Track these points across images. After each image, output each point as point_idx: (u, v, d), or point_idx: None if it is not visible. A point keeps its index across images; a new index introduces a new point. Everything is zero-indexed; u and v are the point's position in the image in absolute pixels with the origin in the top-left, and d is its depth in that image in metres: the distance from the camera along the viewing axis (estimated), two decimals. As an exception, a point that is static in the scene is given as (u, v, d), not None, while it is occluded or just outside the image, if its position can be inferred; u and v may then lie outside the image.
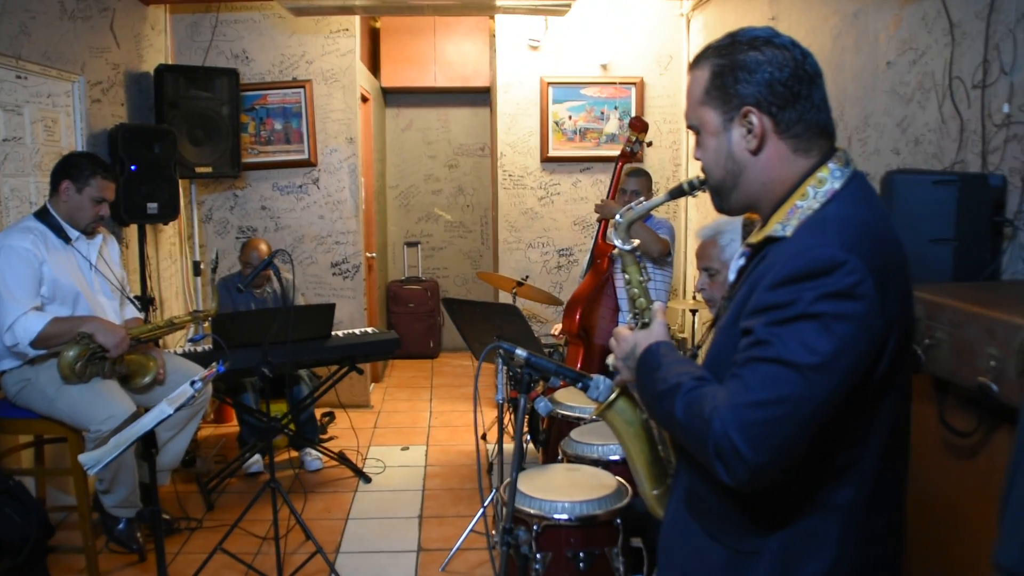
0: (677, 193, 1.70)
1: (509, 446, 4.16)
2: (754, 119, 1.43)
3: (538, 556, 2.55)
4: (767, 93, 1.41)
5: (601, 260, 4.55)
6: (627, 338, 1.62)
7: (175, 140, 4.92)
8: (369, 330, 5.14)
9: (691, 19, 6.20)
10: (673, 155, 6.39)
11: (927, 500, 2.18)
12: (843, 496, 1.39)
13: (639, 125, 4.61)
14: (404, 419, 6.09)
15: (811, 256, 1.31)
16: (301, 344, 4.51)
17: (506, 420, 4.25)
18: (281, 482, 3.53)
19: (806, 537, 1.40)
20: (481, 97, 8.01)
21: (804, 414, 1.27)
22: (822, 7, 3.99)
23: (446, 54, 7.54)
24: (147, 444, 2.67)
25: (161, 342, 4.56)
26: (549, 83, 6.32)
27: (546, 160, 6.42)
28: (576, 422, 3.36)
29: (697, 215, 6.20)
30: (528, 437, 4.28)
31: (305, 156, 6.09)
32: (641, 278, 1.75)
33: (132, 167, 4.62)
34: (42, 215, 3.56)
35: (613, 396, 1.76)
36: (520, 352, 2.07)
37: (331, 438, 5.37)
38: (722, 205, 1.56)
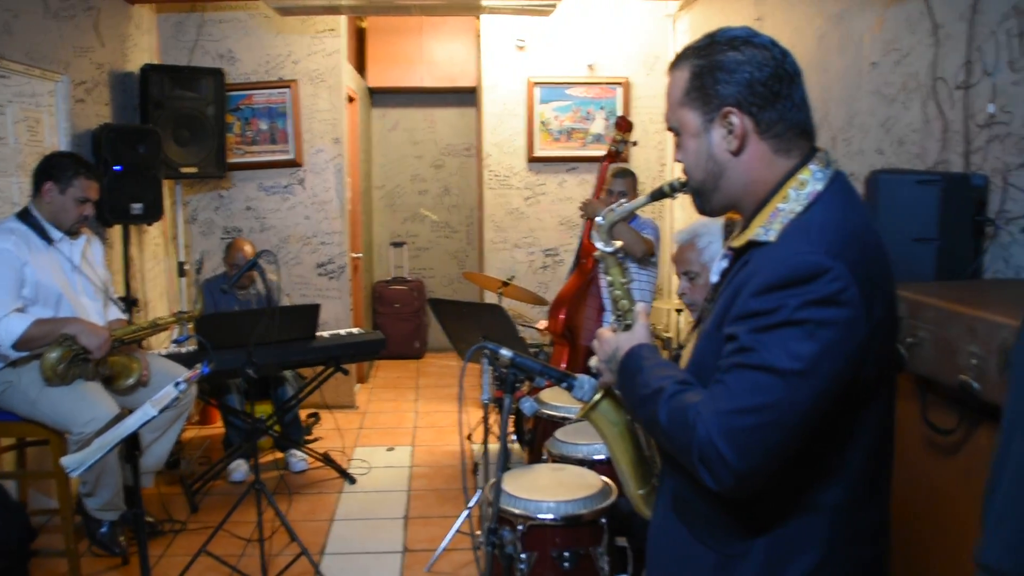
0: (658, 195, 1.70)
1: (494, 446, 4.16)
2: (735, 119, 1.42)
3: (523, 556, 2.55)
4: (747, 93, 1.40)
5: (586, 260, 4.55)
6: (609, 340, 1.62)
7: (160, 140, 4.89)
8: (354, 331, 5.13)
9: (677, 20, 6.22)
10: (659, 155, 6.40)
11: (909, 497, 2.19)
12: (829, 498, 1.39)
13: (624, 125, 4.62)
14: (389, 420, 6.08)
15: (796, 262, 1.30)
16: (286, 345, 4.50)
17: (491, 420, 4.25)
18: (266, 483, 3.52)
19: (792, 539, 1.40)
20: (467, 97, 8.00)
21: (789, 421, 1.27)
22: (807, 8, 4.01)
23: (432, 54, 7.54)
24: (131, 446, 2.65)
25: (145, 343, 4.53)
26: (535, 83, 6.33)
27: (532, 160, 6.42)
28: (561, 422, 3.36)
29: (683, 215, 6.22)
30: (513, 437, 4.28)
31: (291, 156, 6.07)
32: (624, 280, 1.75)
33: (116, 167, 4.59)
34: (24, 216, 3.53)
35: (597, 397, 1.76)
36: (505, 352, 2.07)
37: (316, 439, 5.35)
38: (703, 207, 1.55)
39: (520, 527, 2.56)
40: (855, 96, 3.53)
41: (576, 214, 6.33)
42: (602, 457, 2.97)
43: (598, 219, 1.79)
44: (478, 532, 3.71)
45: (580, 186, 6.44)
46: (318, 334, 4.81)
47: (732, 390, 1.30)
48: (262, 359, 3.85)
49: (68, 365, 3.35)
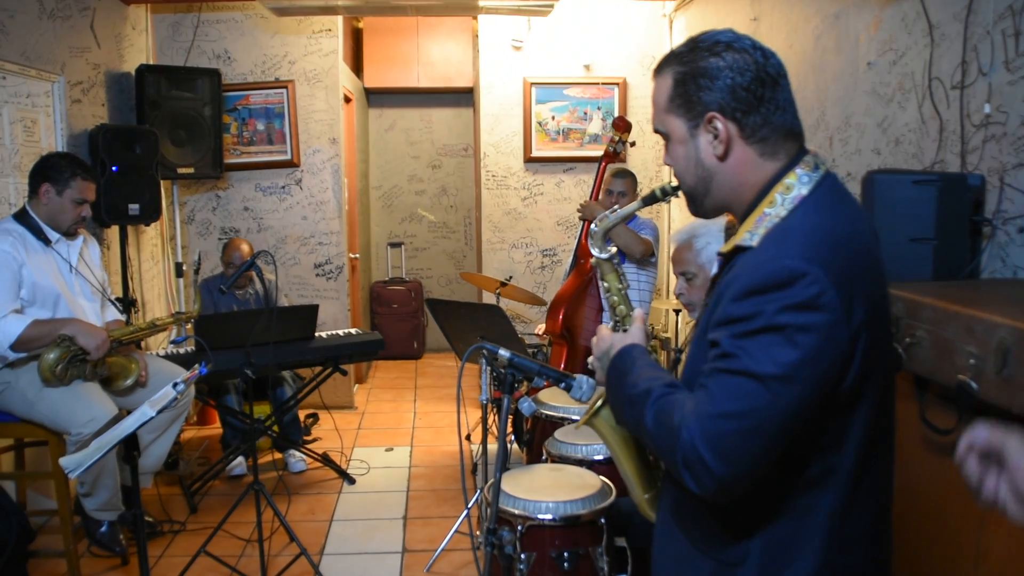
0: (650, 200, 1.71)
1: (493, 447, 4.17)
2: (719, 125, 1.42)
3: (522, 556, 2.55)
4: (730, 99, 1.41)
5: (584, 260, 4.55)
6: (605, 338, 1.62)
7: (157, 141, 4.89)
8: (353, 331, 5.13)
9: (674, 20, 6.22)
10: (657, 155, 6.40)
11: (908, 496, 2.19)
12: (823, 503, 1.38)
13: (622, 125, 4.62)
14: (388, 420, 6.08)
15: (772, 268, 1.30)
16: (284, 345, 4.50)
17: (490, 421, 4.25)
18: (265, 484, 3.52)
19: (788, 545, 1.40)
20: (464, 97, 8.00)
21: (770, 426, 1.27)
22: (803, 8, 4.01)
23: (429, 54, 7.54)
24: (129, 447, 2.65)
25: (143, 344, 4.53)
26: (532, 83, 6.33)
27: (529, 160, 6.42)
28: (560, 422, 3.36)
29: (681, 215, 6.23)
30: (512, 437, 4.28)
31: (288, 157, 6.07)
32: (620, 285, 1.76)
33: (113, 168, 4.59)
34: (21, 217, 3.53)
35: (599, 404, 1.76)
36: (503, 352, 2.07)
37: (315, 439, 5.35)
38: (696, 210, 1.56)
39: (519, 527, 2.56)
40: (852, 96, 3.53)
41: (573, 214, 6.34)
42: (601, 457, 2.97)
43: (592, 226, 1.80)
44: (477, 532, 3.72)
45: (577, 186, 6.44)
46: (316, 334, 4.81)
47: (714, 396, 1.30)
48: (260, 360, 3.85)
49: (66, 366, 3.35)
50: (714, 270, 1.58)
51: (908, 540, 2.21)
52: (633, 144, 5.04)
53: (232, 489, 4.65)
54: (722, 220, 2.39)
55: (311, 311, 4.74)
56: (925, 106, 2.97)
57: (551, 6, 5.46)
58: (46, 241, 3.53)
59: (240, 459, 4.86)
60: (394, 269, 8.39)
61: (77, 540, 3.57)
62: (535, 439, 3.61)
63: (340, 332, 5.03)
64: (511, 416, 4.05)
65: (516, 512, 2.58)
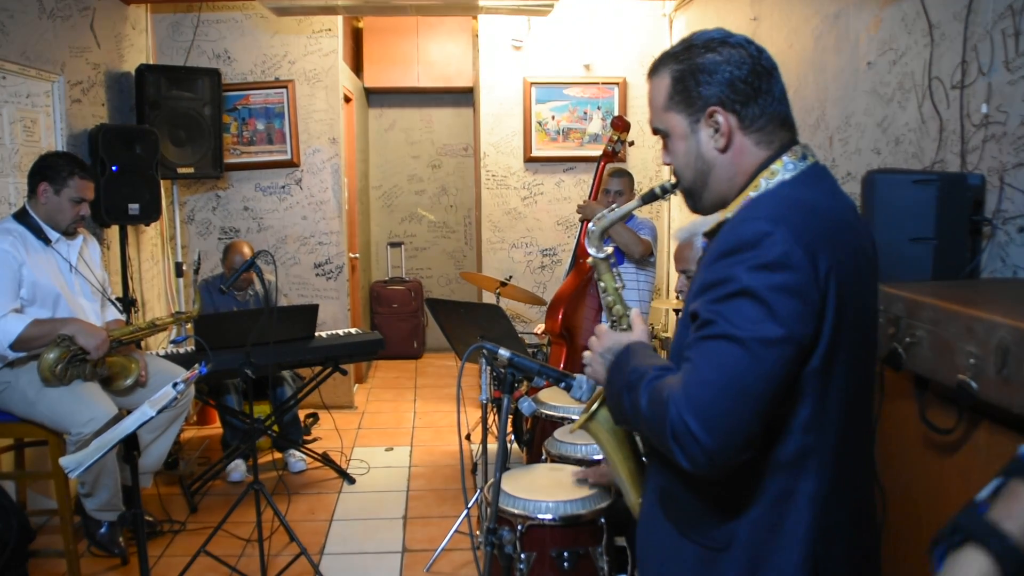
0: (649, 198, 1.73)
1: (493, 446, 4.16)
2: (720, 118, 1.46)
3: (522, 556, 2.55)
4: (729, 91, 1.45)
5: (584, 260, 4.55)
6: (610, 334, 1.64)
7: (157, 141, 4.88)
8: (352, 331, 5.13)
9: (674, 19, 6.22)
10: (656, 154, 6.40)
11: (908, 496, 2.19)
12: (804, 487, 1.40)
13: (621, 125, 4.62)
14: (388, 420, 6.08)
15: (740, 230, 1.36)
16: (284, 345, 4.50)
17: (490, 420, 4.25)
18: (265, 484, 3.52)
19: (773, 529, 1.41)
20: (464, 97, 8.00)
21: (753, 389, 1.28)
22: (803, 8, 4.01)
23: (429, 54, 7.54)
24: (129, 446, 2.65)
25: (143, 344, 4.53)
26: (532, 83, 6.33)
27: (529, 160, 6.43)
28: (560, 422, 3.36)
29: (680, 214, 6.23)
30: (512, 437, 4.28)
31: (288, 156, 6.07)
32: (616, 285, 1.77)
33: (113, 168, 4.59)
34: (21, 216, 3.53)
35: (595, 408, 1.76)
36: (503, 352, 2.07)
37: (315, 439, 5.35)
38: (695, 205, 1.60)
39: (519, 527, 2.56)
40: (852, 96, 3.53)
41: (573, 214, 6.34)
42: (600, 457, 2.97)
43: (590, 226, 1.80)
44: (477, 532, 3.72)
45: (577, 186, 6.44)
46: (316, 334, 4.81)
47: (697, 365, 1.32)
48: (260, 359, 3.85)
49: (66, 366, 3.35)
50: (700, 245, 1.61)
51: (908, 540, 2.21)
52: (632, 144, 5.04)
53: (232, 489, 4.65)
54: (722, 219, 2.40)
55: (311, 311, 4.74)
56: (925, 106, 2.97)
57: (551, 6, 5.47)
58: (46, 241, 3.53)
59: (239, 464, 4.84)
60: (394, 269, 8.39)
61: (77, 540, 3.57)
62: (535, 439, 3.61)
63: (340, 332, 5.03)
64: (511, 416, 4.05)
65: (516, 512, 2.58)
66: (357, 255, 7.08)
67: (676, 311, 5.56)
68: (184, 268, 5.91)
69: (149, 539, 3.85)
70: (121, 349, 3.68)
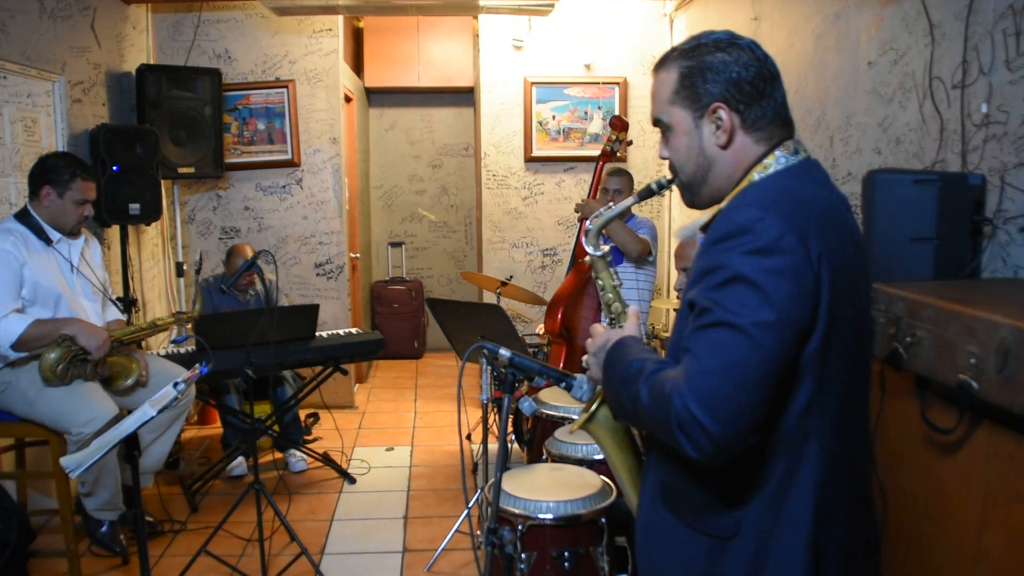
0: (646, 194, 1.75)
1: (494, 446, 4.16)
2: (723, 115, 1.49)
3: (523, 556, 2.55)
4: (735, 91, 1.48)
5: (582, 259, 4.55)
6: (600, 334, 1.65)
7: (157, 140, 4.88)
8: (353, 331, 5.13)
9: (674, 19, 6.22)
10: (656, 154, 6.40)
11: (909, 495, 2.19)
12: (806, 472, 1.41)
13: (619, 124, 4.62)
14: (389, 420, 6.08)
15: (731, 217, 1.39)
16: (285, 345, 4.50)
17: (490, 420, 4.25)
18: (265, 483, 3.52)
19: (777, 515, 1.42)
20: (465, 97, 8.00)
21: (755, 374, 1.30)
22: (804, 8, 4.01)
23: (430, 54, 7.54)
24: (130, 446, 2.65)
25: (144, 344, 4.53)
26: (533, 83, 6.33)
27: (530, 160, 6.42)
28: (560, 422, 3.36)
29: (680, 214, 6.23)
30: (512, 437, 4.28)
31: (288, 156, 6.07)
32: (614, 283, 1.77)
33: (114, 168, 4.59)
34: (22, 216, 3.53)
35: (594, 407, 1.76)
36: (504, 352, 2.07)
37: (315, 439, 5.35)
38: (692, 200, 1.62)
39: (520, 527, 2.56)
40: (852, 95, 3.53)
41: (574, 213, 6.34)
42: (601, 457, 2.97)
43: (587, 224, 1.81)
44: (478, 532, 3.72)
45: (578, 186, 6.44)
46: (317, 334, 4.81)
47: (697, 354, 1.33)
48: (261, 359, 3.85)
49: (67, 366, 3.35)
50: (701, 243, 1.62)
51: (908, 539, 2.21)
52: (631, 143, 5.04)
53: (232, 489, 4.65)
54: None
55: (311, 311, 4.74)
56: (926, 106, 2.96)
57: (551, 6, 5.46)
58: (47, 241, 3.53)
59: (240, 460, 4.86)
60: (395, 269, 8.39)
61: (78, 540, 3.57)
62: (536, 439, 3.61)
63: (340, 332, 5.03)
64: (511, 416, 4.05)
65: (517, 512, 2.58)
66: (358, 255, 7.09)
67: (676, 310, 5.56)
68: (185, 268, 5.91)
69: (150, 539, 3.85)
70: (122, 349, 3.68)
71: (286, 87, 6.00)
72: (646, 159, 6.41)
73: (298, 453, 5.01)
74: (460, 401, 2.40)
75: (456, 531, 3.88)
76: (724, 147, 1.51)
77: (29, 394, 3.38)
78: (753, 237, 1.33)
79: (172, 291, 5.89)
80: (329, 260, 6.23)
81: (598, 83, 6.34)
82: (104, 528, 3.63)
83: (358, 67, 7.51)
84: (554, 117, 6.36)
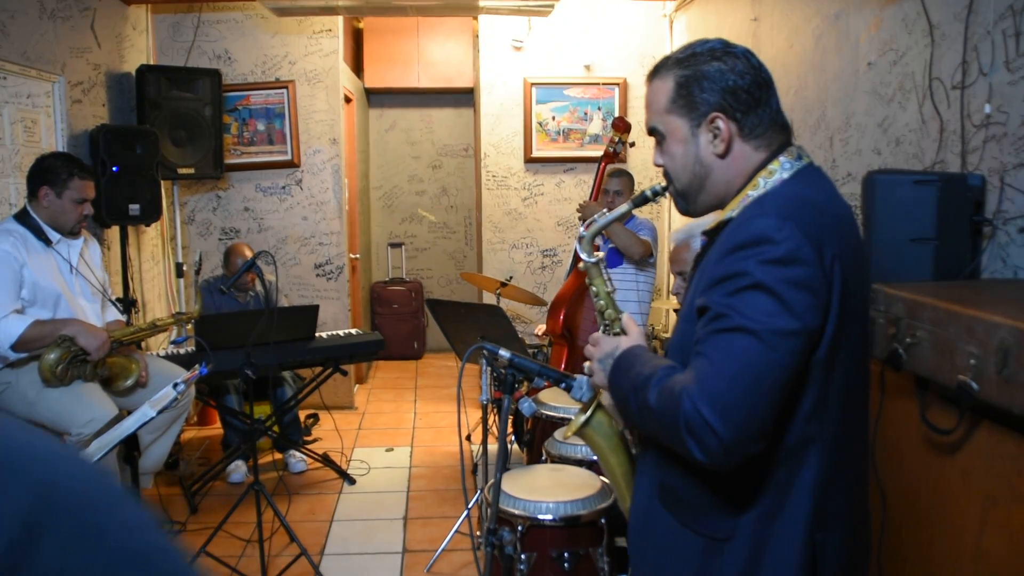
0: (640, 201, 1.76)
1: (493, 447, 4.16)
2: (721, 124, 1.50)
3: (523, 556, 2.55)
4: (731, 100, 1.49)
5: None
6: (608, 340, 1.65)
7: (157, 141, 4.89)
8: (353, 331, 5.13)
9: (674, 20, 6.22)
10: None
11: (909, 495, 2.19)
12: (806, 476, 1.42)
13: (622, 126, 4.62)
14: (388, 420, 6.08)
15: (752, 226, 1.39)
16: (285, 346, 4.50)
17: (490, 421, 4.25)
18: (265, 484, 3.52)
19: (775, 517, 1.43)
20: (465, 98, 8.00)
21: (767, 380, 1.31)
22: (804, 8, 4.01)
23: (429, 55, 7.54)
24: (129, 447, 2.66)
25: (143, 344, 4.53)
26: (532, 84, 6.33)
27: (530, 161, 6.42)
28: (560, 423, 3.36)
29: (680, 216, 6.21)
30: (512, 438, 4.28)
31: (288, 157, 6.07)
32: (608, 289, 1.77)
33: (114, 168, 4.59)
34: (22, 217, 3.52)
35: (589, 413, 1.76)
36: (504, 353, 2.07)
37: (315, 440, 5.35)
38: (687, 208, 1.64)
39: (520, 528, 2.56)
40: (852, 96, 3.53)
41: (574, 214, 6.34)
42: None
43: (581, 230, 1.81)
44: (478, 533, 3.72)
45: (578, 187, 6.44)
46: (317, 335, 4.81)
47: (711, 358, 1.34)
48: (261, 360, 3.85)
49: (67, 366, 3.35)
50: (697, 247, 1.62)
51: (908, 540, 2.21)
52: (632, 145, 5.03)
53: (232, 490, 4.65)
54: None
55: (311, 311, 4.74)
56: (925, 106, 2.96)
57: (551, 6, 5.47)
58: (47, 241, 3.53)
59: (239, 465, 4.84)
60: (394, 269, 8.39)
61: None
62: (535, 439, 3.62)
63: (340, 332, 5.04)
64: (511, 416, 4.05)
65: (516, 512, 2.58)
66: (357, 256, 7.09)
67: (676, 311, 5.56)
68: (184, 269, 5.91)
69: (149, 540, 3.84)
70: (121, 350, 3.68)
71: (286, 88, 6.00)
72: (646, 160, 6.41)
73: (298, 454, 5.01)
74: (460, 402, 2.40)
75: (456, 532, 3.88)
76: (722, 156, 1.52)
77: (29, 395, 3.38)
78: (772, 247, 1.34)
79: (172, 292, 5.89)
80: (329, 261, 6.23)
81: (598, 84, 6.35)
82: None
83: (358, 68, 7.51)
84: (554, 118, 6.36)
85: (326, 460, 4.94)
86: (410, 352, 8.07)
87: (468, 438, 5.33)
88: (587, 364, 1.69)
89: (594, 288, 1.79)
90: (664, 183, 1.68)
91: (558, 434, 3.20)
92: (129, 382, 3.67)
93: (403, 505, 4.47)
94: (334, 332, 5.03)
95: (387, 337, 5.88)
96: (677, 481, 1.52)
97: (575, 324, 4.42)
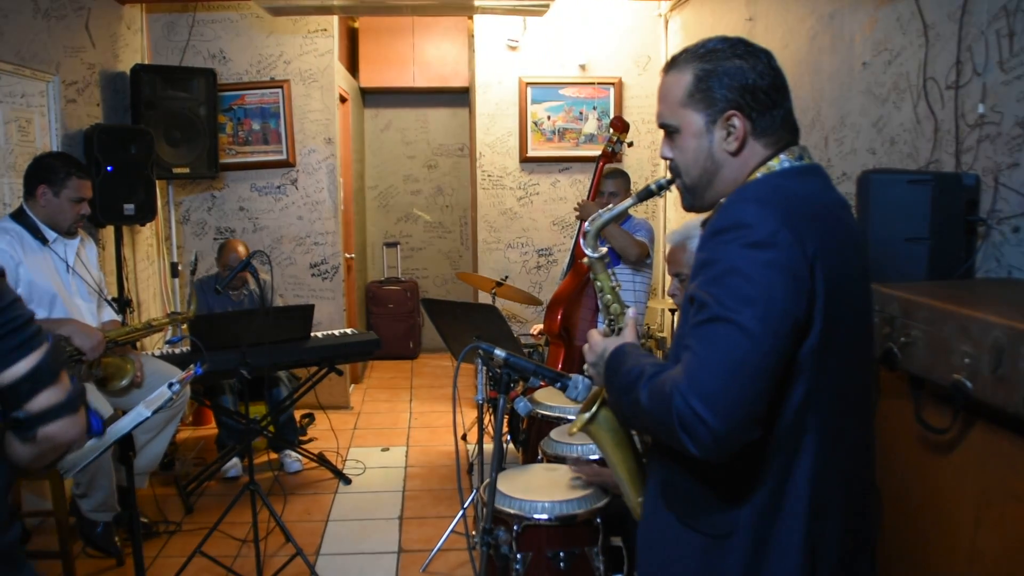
0: (645, 195, 1.75)
1: (489, 446, 4.17)
2: (737, 122, 1.51)
3: (518, 556, 2.55)
4: (749, 98, 1.50)
5: (582, 260, 4.55)
6: (597, 343, 1.66)
7: (152, 141, 4.88)
8: (348, 331, 5.13)
9: (669, 20, 6.23)
10: (652, 155, 6.41)
11: (904, 495, 2.20)
12: (803, 466, 1.43)
13: (620, 125, 4.62)
14: (384, 420, 6.08)
15: (729, 211, 1.42)
16: (280, 345, 4.49)
17: (486, 421, 4.25)
18: (260, 484, 3.51)
19: (775, 512, 1.44)
20: (460, 97, 8.00)
21: (752, 367, 1.31)
22: (799, 8, 4.02)
23: (425, 54, 7.53)
24: (124, 447, 2.65)
25: (139, 344, 4.52)
26: (528, 83, 6.33)
27: (525, 160, 6.42)
28: (556, 422, 3.37)
29: (675, 215, 6.23)
30: (508, 437, 4.28)
31: (283, 157, 6.06)
32: (612, 284, 1.78)
33: (108, 168, 4.58)
34: (18, 216, 3.52)
35: (595, 408, 1.77)
36: (499, 352, 2.08)
37: (310, 440, 5.34)
38: (694, 203, 1.63)
39: (515, 527, 2.56)
40: (847, 96, 3.54)
41: (569, 214, 6.36)
42: (596, 457, 2.97)
43: (585, 226, 1.81)
44: (473, 532, 3.72)
45: (573, 186, 6.45)
46: (312, 335, 4.80)
47: (695, 350, 1.35)
48: (256, 360, 3.85)
49: (62, 367, 3.34)
50: (693, 248, 1.63)
51: (903, 539, 2.22)
52: (631, 144, 5.03)
53: (228, 489, 4.64)
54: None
55: (307, 311, 4.74)
56: (920, 106, 2.97)
57: (547, 6, 5.47)
58: (43, 240, 3.52)
59: (235, 461, 4.85)
60: (390, 269, 8.39)
61: (72, 541, 3.56)
62: (531, 439, 3.61)
63: (336, 332, 5.03)
64: (507, 416, 4.05)
65: (512, 512, 2.58)
66: (353, 255, 7.08)
67: (672, 311, 5.57)
68: (180, 268, 5.90)
69: (145, 540, 3.84)
70: (117, 350, 3.68)
71: (281, 87, 6.00)
72: (640, 160, 6.41)
73: (293, 454, 5.01)
74: (455, 401, 2.40)
75: (452, 531, 3.88)
76: (734, 153, 1.53)
77: (23, 395, 3.37)
78: (749, 231, 1.35)
79: (167, 291, 5.88)
80: (324, 260, 6.23)
81: (593, 83, 6.35)
82: (99, 529, 3.62)
83: (353, 67, 7.50)
84: (549, 117, 6.36)
85: (322, 460, 4.94)
86: (405, 352, 8.07)
87: (464, 438, 5.33)
88: (586, 367, 1.70)
89: (599, 283, 1.79)
90: (669, 177, 1.67)
91: (554, 433, 3.20)
92: (124, 382, 3.66)
93: (399, 505, 4.47)
94: (329, 332, 5.03)
95: (382, 337, 5.87)
96: (678, 477, 1.53)
97: (572, 324, 4.42)
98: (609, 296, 1.77)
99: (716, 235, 1.39)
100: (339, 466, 4.98)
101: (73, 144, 4.59)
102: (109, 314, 3.88)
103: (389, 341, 7.62)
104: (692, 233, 2.47)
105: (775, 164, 1.51)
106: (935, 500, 2.06)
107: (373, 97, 8.22)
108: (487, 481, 2.48)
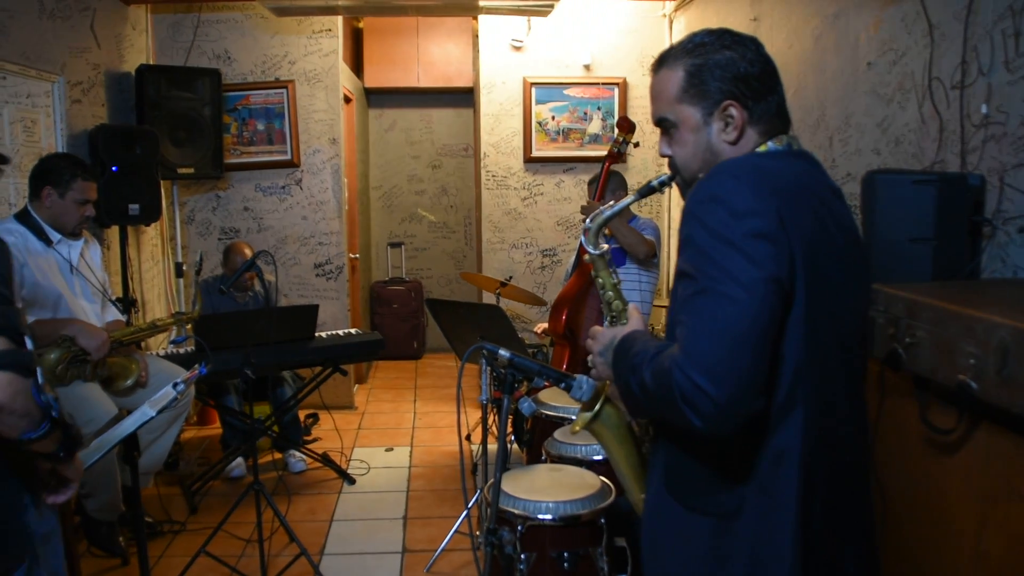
0: (646, 191, 1.75)
1: (493, 447, 4.16)
2: (734, 112, 1.52)
3: (522, 556, 2.55)
4: (744, 87, 1.51)
5: (586, 259, 4.53)
6: (606, 332, 1.66)
7: (157, 141, 4.88)
8: (353, 331, 5.13)
9: (673, 20, 6.22)
10: (657, 155, 6.38)
11: (908, 495, 2.19)
12: (794, 442, 1.43)
13: (626, 126, 4.60)
14: (388, 420, 6.08)
15: (705, 185, 1.43)
16: (284, 346, 4.50)
17: (490, 421, 4.25)
18: (265, 484, 3.52)
19: (773, 489, 1.44)
20: (464, 97, 8.00)
21: (745, 331, 1.31)
22: (803, 8, 4.01)
23: (429, 54, 7.54)
24: (129, 447, 2.65)
25: (143, 344, 4.53)
26: (532, 83, 6.33)
27: (529, 160, 6.42)
28: (560, 422, 3.36)
29: (679, 215, 6.22)
30: (512, 438, 4.28)
31: (288, 157, 6.07)
32: (614, 281, 1.78)
33: (113, 168, 4.58)
34: (22, 217, 3.52)
35: (598, 406, 1.77)
36: (503, 352, 2.07)
37: (315, 440, 5.35)
38: None
39: (519, 527, 2.56)
40: (852, 96, 3.53)
41: (574, 214, 6.36)
42: (600, 457, 2.97)
43: (586, 222, 1.80)
44: (477, 532, 3.72)
45: (577, 186, 6.44)
46: (316, 335, 4.81)
47: (688, 323, 1.36)
48: (260, 360, 3.85)
49: (67, 366, 3.34)
50: None
51: (908, 540, 2.21)
52: (637, 145, 5.02)
53: (232, 489, 4.65)
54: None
55: (311, 311, 4.74)
56: (925, 106, 2.97)
57: (551, 6, 5.47)
58: (47, 241, 3.53)
59: (239, 461, 4.86)
60: (394, 269, 8.39)
61: (77, 540, 3.57)
62: (535, 439, 3.61)
63: (340, 332, 5.03)
64: (511, 416, 4.05)
65: (516, 512, 2.58)
66: (357, 255, 7.08)
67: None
68: (184, 268, 5.91)
69: (149, 539, 3.85)
70: (121, 350, 3.68)
71: (285, 87, 6.00)
72: (645, 160, 6.41)
73: (297, 454, 5.01)
74: (459, 402, 2.40)
75: (456, 532, 3.88)
76: (734, 143, 1.54)
77: (29, 395, 3.37)
78: (725, 203, 1.38)
79: (171, 292, 5.89)
80: (328, 260, 6.23)
81: (597, 84, 6.34)
82: (103, 529, 3.63)
83: (358, 68, 7.51)
84: (553, 118, 6.36)
85: (326, 460, 4.94)
86: (410, 352, 8.07)
87: (468, 438, 5.33)
88: (590, 358, 1.69)
89: (600, 280, 1.79)
90: (669, 173, 1.68)
91: (558, 434, 3.20)
92: (129, 382, 3.67)
93: (403, 505, 4.47)
94: (334, 332, 5.03)
95: (387, 337, 5.88)
96: (680, 458, 1.54)
97: (578, 324, 4.41)
98: (611, 293, 1.76)
99: (694, 209, 1.42)
100: (343, 466, 4.98)
101: (78, 144, 4.60)
102: (113, 314, 3.88)
103: (393, 341, 7.63)
104: None
105: (762, 150, 1.53)
106: (940, 501, 2.06)
107: (377, 97, 8.23)
108: (491, 481, 2.48)
